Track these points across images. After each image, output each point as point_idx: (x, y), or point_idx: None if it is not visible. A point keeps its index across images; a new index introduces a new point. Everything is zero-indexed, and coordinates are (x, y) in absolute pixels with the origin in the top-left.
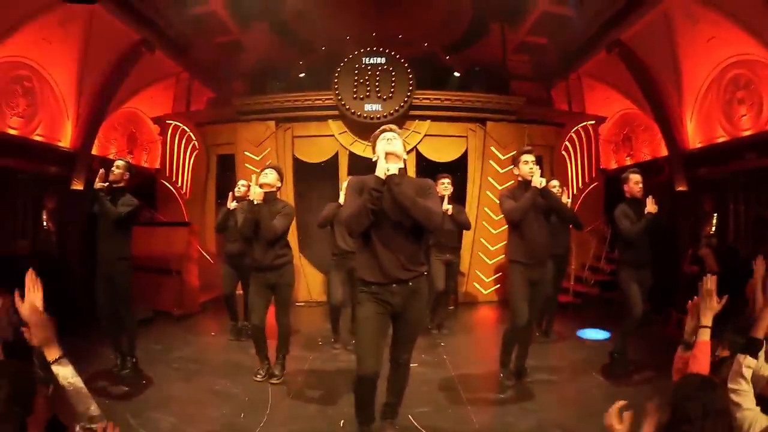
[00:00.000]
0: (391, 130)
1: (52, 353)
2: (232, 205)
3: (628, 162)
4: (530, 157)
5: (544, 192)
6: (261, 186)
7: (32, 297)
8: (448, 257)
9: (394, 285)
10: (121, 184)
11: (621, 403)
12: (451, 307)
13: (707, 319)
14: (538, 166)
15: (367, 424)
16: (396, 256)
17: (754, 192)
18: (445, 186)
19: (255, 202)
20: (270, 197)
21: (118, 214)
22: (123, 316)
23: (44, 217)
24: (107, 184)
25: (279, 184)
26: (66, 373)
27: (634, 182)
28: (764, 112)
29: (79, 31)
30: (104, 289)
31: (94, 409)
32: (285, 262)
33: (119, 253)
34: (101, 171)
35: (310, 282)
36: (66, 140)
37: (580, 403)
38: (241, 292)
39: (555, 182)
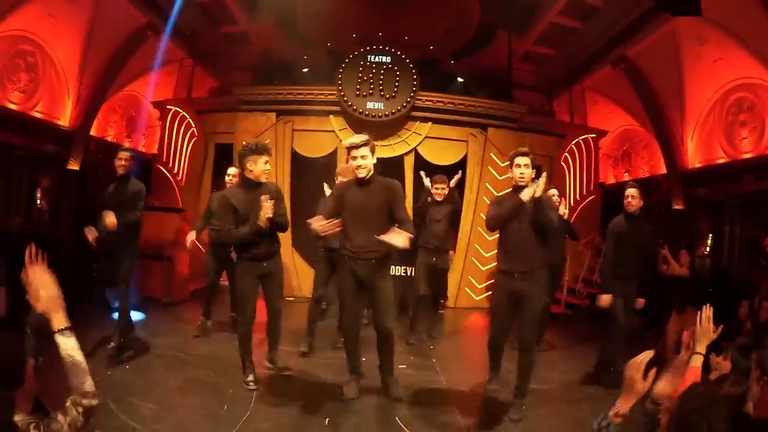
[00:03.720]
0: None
1: (58, 322)
2: None
3: (627, 177)
4: (523, 160)
5: (537, 205)
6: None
7: (36, 266)
8: (434, 260)
9: (360, 260)
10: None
11: (647, 355)
12: (441, 311)
13: (702, 347)
14: (542, 178)
15: (355, 373)
16: (364, 237)
17: (750, 215)
18: (438, 192)
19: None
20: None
21: (130, 221)
22: (120, 293)
23: (38, 195)
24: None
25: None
26: (68, 345)
27: (626, 196)
28: (765, 136)
29: (85, 9)
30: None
31: (89, 384)
32: (277, 249)
33: (128, 235)
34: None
35: (301, 278)
36: (65, 119)
37: (570, 413)
38: (227, 282)
39: (554, 191)
